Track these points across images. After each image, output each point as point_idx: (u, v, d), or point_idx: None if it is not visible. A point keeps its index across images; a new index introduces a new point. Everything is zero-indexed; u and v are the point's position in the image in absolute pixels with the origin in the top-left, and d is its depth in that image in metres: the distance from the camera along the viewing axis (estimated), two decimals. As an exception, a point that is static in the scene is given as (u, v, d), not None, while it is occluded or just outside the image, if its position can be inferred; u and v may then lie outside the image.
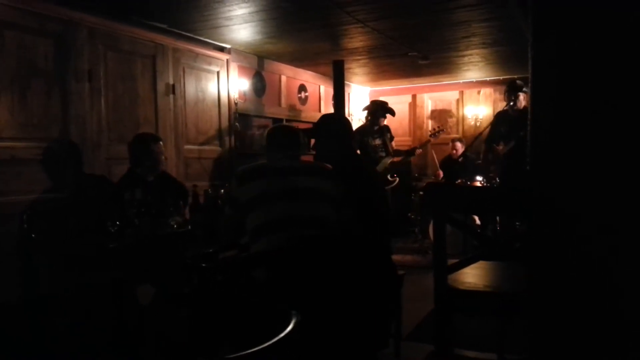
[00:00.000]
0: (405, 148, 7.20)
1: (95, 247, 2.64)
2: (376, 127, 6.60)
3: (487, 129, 5.88)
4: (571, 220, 1.50)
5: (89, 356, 2.46)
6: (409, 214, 7.45)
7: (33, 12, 3.94)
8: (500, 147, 5.59)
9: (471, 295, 1.73)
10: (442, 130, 7.16)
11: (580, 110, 1.42)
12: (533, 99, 1.48)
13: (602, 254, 1.44)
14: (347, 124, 3.32)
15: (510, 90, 5.63)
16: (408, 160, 7.22)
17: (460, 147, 7.58)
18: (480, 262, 2.25)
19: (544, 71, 1.47)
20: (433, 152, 8.44)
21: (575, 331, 1.52)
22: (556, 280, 1.51)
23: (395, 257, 3.13)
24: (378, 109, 6.64)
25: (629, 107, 1.40)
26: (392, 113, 6.81)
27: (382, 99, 9.36)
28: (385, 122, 6.79)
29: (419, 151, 6.80)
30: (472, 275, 1.93)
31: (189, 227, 3.10)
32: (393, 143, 6.79)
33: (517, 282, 1.70)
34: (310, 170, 2.71)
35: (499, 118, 5.79)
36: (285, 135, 2.84)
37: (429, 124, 9.12)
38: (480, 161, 6.60)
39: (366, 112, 6.88)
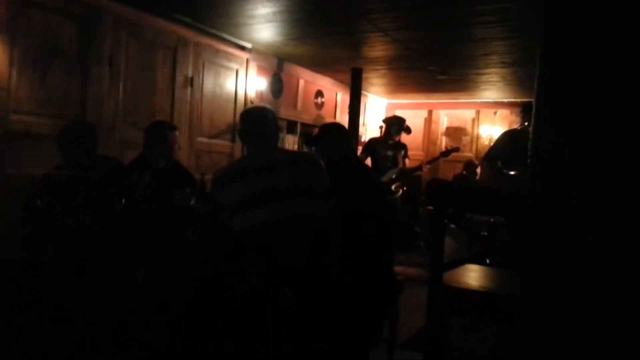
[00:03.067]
0: (417, 163, 7.15)
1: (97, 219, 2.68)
2: (390, 142, 6.57)
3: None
4: (570, 228, 1.50)
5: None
6: (416, 228, 7.42)
7: (61, -7, 4.02)
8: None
9: (464, 294, 1.73)
10: (456, 149, 6.99)
11: (587, 113, 1.42)
12: (539, 98, 1.49)
13: (602, 263, 1.43)
14: (344, 129, 3.28)
15: (527, 110, 5.56)
16: (417, 175, 7.17)
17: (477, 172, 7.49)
18: (481, 267, 2.25)
19: (551, 72, 1.48)
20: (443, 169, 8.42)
21: (566, 340, 1.51)
22: (551, 287, 1.51)
23: (398, 269, 3.10)
24: (394, 124, 6.61)
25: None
26: (408, 131, 6.76)
27: (398, 112, 9.42)
28: (402, 139, 6.75)
29: (426, 167, 6.71)
30: (469, 277, 1.94)
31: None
32: (407, 160, 6.75)
33: (516, 287, 1.70)
34: (293, 162, 2.58)
35: (517, 136, 5.48)
36: (262, 122, 2.65)
37: (443, 141, 9.11)
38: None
39: (383, 124, 6.88)
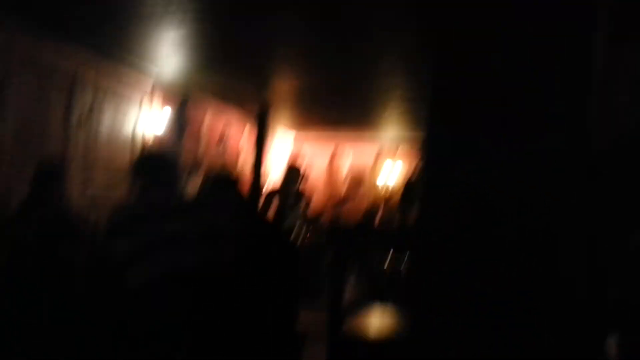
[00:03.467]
0: (321, 206, 7.03)
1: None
2: (290, 191, 6.47)
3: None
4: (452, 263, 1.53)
5: None
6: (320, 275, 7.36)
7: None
8: None
9: (363, 345, 1.70)
10: (350, 198, 7.09)
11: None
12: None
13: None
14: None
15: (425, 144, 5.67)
16: (321, 221, 7.15)
17: None
18: (381, 309, 2.24)
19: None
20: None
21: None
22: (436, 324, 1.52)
23: (306, 317, 2.89)
24: (292, 177, 6.50)
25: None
26: (305, 178, 6.72)
27: (305, 145, 9.33)
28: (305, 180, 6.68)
29: (329, 213, 6.71)
30: (368, 323, 1.91)
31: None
32: (310, 206, 6.69)
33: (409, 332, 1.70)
34: (192, 208, 2.54)
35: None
36: (155, 165, 2.58)
37: (347, 180, 9.13)
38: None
39: (283, 175, 6.78)
